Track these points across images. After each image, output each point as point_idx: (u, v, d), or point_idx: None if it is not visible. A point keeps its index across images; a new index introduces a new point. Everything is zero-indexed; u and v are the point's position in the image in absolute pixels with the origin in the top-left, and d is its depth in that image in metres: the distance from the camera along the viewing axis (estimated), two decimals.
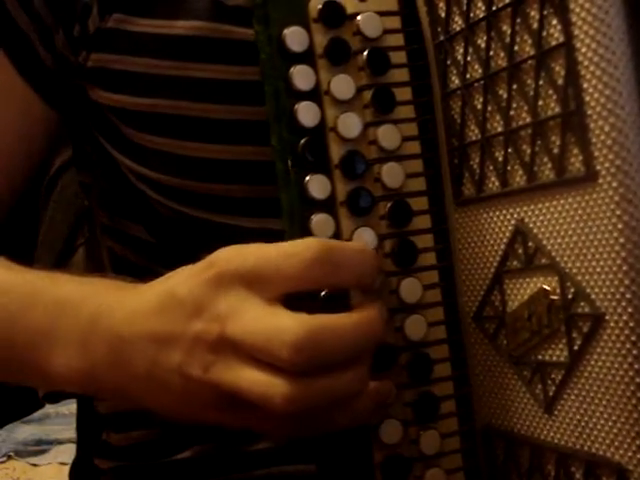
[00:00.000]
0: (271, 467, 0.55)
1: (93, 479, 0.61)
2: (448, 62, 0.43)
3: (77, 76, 0.56)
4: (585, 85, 0.35)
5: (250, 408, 0.39)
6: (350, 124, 0.43)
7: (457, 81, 0.42)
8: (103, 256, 0.61)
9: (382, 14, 0.44)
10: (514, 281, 0.40)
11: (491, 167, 0.41)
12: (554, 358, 0.38)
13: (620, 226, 0.34)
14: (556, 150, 0.37)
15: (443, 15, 0.43)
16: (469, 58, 0.42)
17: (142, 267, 0.59)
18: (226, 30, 0.53)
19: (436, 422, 0.43)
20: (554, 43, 0.37)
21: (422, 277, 0.43)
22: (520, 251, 0.40)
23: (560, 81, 0.37)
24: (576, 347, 0.37)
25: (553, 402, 0.39)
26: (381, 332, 0.39)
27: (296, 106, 0.43)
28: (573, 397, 0.38)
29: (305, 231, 0.42)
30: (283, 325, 0.37)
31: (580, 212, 0.36)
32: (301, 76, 0.43)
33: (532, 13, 0.38)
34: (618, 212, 0.35)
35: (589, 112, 0.35)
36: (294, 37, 0.43)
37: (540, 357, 0.39)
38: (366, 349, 0.39)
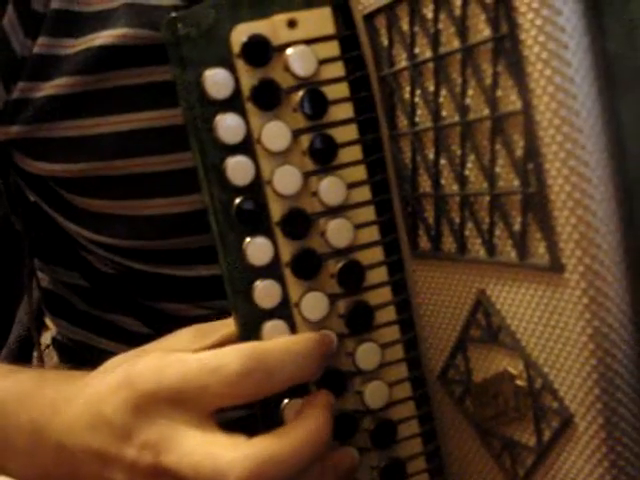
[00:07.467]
0: None
1: None
2: (394, 99, 0.37)
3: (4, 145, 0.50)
4: (547, 166, 0.30)
5: None
6: (288, 179, 0.38)
7: (406, 121, 0.37)
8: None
9: (317, 40, 0.38)
10: (478, 351, 0.37)
11: (447, 227, 0.36)
12: (523, 440, 0.35)
13: (589, 330, 0.31)
14: (517, 227, 0.33)
15: (386, 44, 0.37)
16: (417, 99, 0.36)
17: (80, 311, 0.56)
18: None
19: None
20: (511, 108, 0.31)
21: (382, 334, 0.40)
22: (483, 323, 0.36)
23: (519, 152, 0.32)
24: (546, 438, 0.34)
25: None
26: (327, 438, 0.36)
27: (226, 162, 0.38)
28: None
29: (249, 300, 0.38)
30: (225, 459, 0.34)
31: (545, 301, 0.32)
32: (228, 127, 0.37)
33: (484, 66, 0.32)
34: (587, 316, 0.31)
35: (552, 197, 0.31)
36: (216, 81, 0.37)
37: (508, 435, 0.36)
38: (315, 458, 0.36)
